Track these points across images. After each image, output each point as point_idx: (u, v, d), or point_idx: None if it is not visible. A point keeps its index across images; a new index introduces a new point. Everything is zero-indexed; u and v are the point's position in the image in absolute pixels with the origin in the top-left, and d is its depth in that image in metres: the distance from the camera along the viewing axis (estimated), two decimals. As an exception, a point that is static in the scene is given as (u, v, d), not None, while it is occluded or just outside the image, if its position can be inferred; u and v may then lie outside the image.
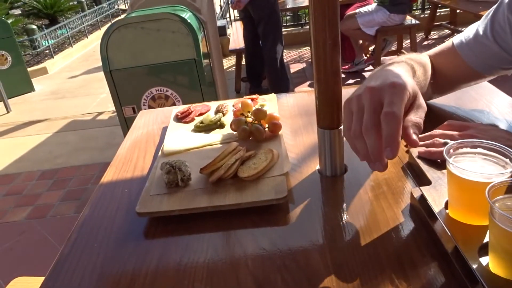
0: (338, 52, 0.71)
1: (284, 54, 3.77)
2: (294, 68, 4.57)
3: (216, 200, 0.67)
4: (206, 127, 0.94)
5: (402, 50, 4.03)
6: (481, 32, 0.84)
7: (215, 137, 0.89)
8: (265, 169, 0.73)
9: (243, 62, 4.06)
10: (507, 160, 0.57)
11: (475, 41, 0.84)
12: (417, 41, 4.36)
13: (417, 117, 0.59)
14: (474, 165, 0.58)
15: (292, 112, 1.05)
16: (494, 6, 0.84)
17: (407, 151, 0.77)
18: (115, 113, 2.76)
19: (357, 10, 3.77)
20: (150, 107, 2.64)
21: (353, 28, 3.75)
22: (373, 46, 4.02)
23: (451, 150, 0.61)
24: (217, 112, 1.00)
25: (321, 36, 0.68)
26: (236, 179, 0.73)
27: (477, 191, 0.52)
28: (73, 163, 3.15)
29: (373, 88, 0.58)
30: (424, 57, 0.87)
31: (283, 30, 3.91)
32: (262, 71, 3.88)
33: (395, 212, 0.63)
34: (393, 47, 4.11)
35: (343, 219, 0.64)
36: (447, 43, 0.90)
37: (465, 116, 0.92)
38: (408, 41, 3.87)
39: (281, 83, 3.64)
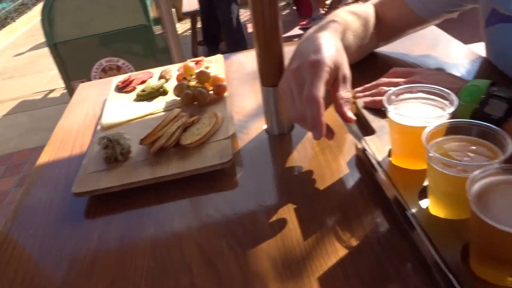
0: (275, 4, 0.67)
1: (240, 13, 3.64)
2: (251, 27, 4.46)
3: (158, 171, 0.64)
4: (148, 95, 0.88)
5: (359, 1, 3.98)
6: (424, -25, 0.81)
7: (158, 105, 0.85)
8: (209, 134, 0.70)
9: (199, 25, 3.91)
10: (447, 102, 0.56)
11: (418, -15, 0.82)
12: (373, -10, 4.32)
13: (346, 92, 0.59)
14: (414, 110, 0.58)
15: (240, 72, 1.01)
16: None
17: (354, 103, 0.75)
18: (67, 90, 2.62)
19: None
20: (102, 79, 2.52)
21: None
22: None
23: (393, 97, 0.60)
24: (160, 78, 0.95)
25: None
26: (179, 147, 0.69)
27: (416, 135, 0.51)
28: (26, 145, 3.00)
29: (294, 70, 0.58)
30: (366, 7, 0.86)
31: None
32: (219, 33, 3.76)
33: (340, 164, 0.63)
34: (350, -1, 4.06)
35: (291, 177, 0.63)
36: (392, -11, 0.88)
37: (412, 62, 0.91)
38: (364, -9, 3.82)
39: (239, 43, 3.55)
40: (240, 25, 3.58)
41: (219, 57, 1.02)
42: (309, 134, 0.71)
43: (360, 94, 0.74)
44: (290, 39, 3.90)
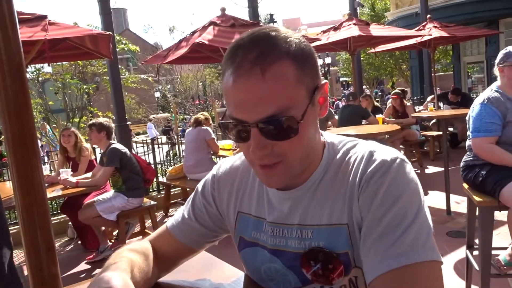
0: (54, 254, 0.72)
1: (14, 255, 3.27)
2: (27, 269, 3.97)
3: None
4: None
5: (146, 230, 4.22)
6: (186, 216, 1.03)
7: None
8: None
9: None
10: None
11: (182, 222, 1.03)
12: (158, 219, 4.71)
13: None
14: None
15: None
16: (192, 194, 1.06)
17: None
18: None
19: (95, 198, 3.82)
20: None
21: (93, 216, 3.72)
22: (117, 231, 4.05)
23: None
24: None
25: (34, 244, 0.69)
26: None
27: None
28: None
29: None
30: (145, 244, 0.99)
31: (10, 228, 3.47)
32: (-16, 281, 3.18)
33: None
34: (137, 228, 4.26)
35: None
36: (163, 227, 1.06)
37: (191, 286, 1.04)
38: (150, 220, 4.12)
39: (12, 290, 3.05)
40: (13, 269, 3.16)
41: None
42: None
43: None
44: (76, 275, 3.62)
